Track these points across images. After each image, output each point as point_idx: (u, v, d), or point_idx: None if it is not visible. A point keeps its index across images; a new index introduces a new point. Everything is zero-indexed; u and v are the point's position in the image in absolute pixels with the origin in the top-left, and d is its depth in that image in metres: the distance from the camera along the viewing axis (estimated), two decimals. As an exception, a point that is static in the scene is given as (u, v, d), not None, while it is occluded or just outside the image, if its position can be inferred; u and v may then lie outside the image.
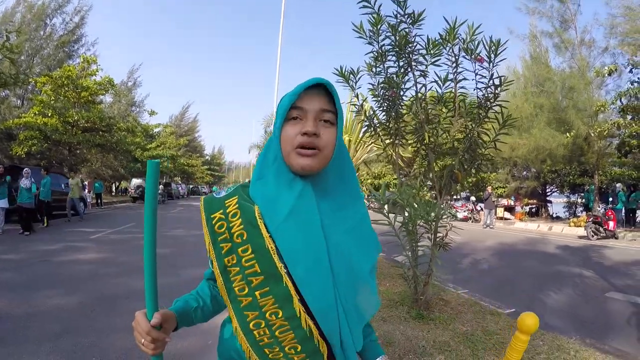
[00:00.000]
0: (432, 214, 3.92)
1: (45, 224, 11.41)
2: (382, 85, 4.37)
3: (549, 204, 23.26)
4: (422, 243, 4.36)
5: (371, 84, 4.49)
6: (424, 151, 4.38)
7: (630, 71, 14.85)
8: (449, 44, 3.75)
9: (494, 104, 3.81)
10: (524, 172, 22.65)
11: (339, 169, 0.95)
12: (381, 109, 4.54)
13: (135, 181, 28.80)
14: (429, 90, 4.24)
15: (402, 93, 4.29)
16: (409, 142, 4.56)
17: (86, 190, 18.11)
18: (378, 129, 4.64)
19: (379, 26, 4.06)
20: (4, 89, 13.97)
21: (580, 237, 13.19)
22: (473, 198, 23.02)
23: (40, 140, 17.49)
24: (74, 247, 8.07)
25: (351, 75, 4.54)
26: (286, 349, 0.87)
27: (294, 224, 0.86)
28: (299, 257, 0.85)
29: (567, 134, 15.93)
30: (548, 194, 23.16)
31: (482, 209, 19.19)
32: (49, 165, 19.23)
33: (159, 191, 24.75)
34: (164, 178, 35.73)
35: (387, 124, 4.54)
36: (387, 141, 4.61)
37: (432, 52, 3.94)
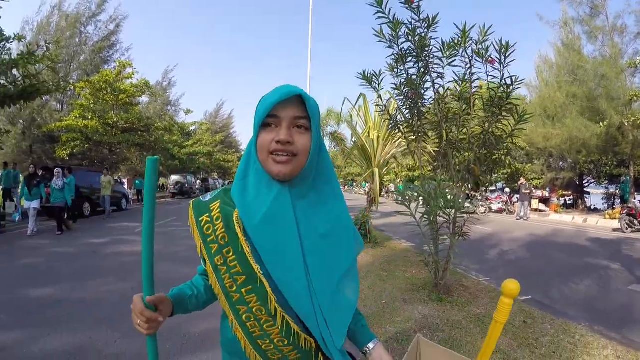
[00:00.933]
0: (451, 206, 4.17)
1: (72, 223, 11.04)
2: (404, 84, 4.64)
3: (586, 196, 22.59)
4: (443, 233, 4.64)
5: (394, 83, 4.75)
6: (444, 147, 4.63)
7: None
8: (462, 46, 3.99)
9: (506, 103, 4.02)
10: (560, 163, 22.05)
11: (317, 171, 0.98)
12: (404, 107, 4.82)
13: (174, 177, 29.85)
14: (447, 89, 4.51)
15: (422, 92, 4.55)
16: (431, 138, 4.83)
17: (126, 187, 19.10)
18: (401, 127, 4.93)
19: (397, 31, 4.32)
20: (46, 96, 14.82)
21: (615, 230, 12.91)
22: (507, 190, 22.71)
23: (82, 142, 18.41)
24: (120, 240, 8.72)
25: (374, 78, 4.84)
26: (275, 341, 0.94)
27: (270, 227, 0.92)
28: (276, 258, 0.92)
29: (601, 124, 15.49)
30: (585, 185, 22.52)
31: (517, 201, 18.94)
32: (90, 165, 20.37)
33: (197, 186, 25.70)
34: (201, 174, 36.76)
35: (411, 121, 4.81)
36: (411, 137, 4.89)
37: (447, 54, 4.18)
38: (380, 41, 4.48)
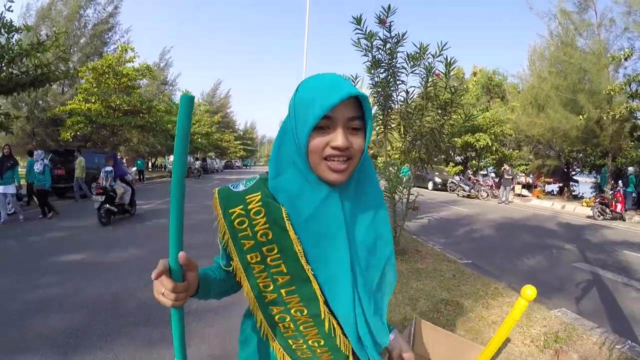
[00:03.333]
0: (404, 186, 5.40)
1: (50, 215, 9.26)
2: (377, 85, 5.58)
3: (574, 184, 23.48)
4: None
5: (370, 83, 5.70)
6: (404, 139, 5.64)
7: None
8: (420, 60, 4.94)
9: (452, 107, 5.02)
10: (547, 151, 22.93)
11: (360, 172, 0.94)
12: (377, 104, 5.77)
13: (173, 158, 30.66)
14: (411, 92, 5.50)
15: (390, 93, 5.52)
16: (395, 131, 5.84)
17: (127, 166, 19.98)
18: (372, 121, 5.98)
19: (372, 42, 5.24)
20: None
21: (588, 217, 13.73)
22: (493, 174, 23.62)
23: (85, 125, 19.08)
24: (134, 216, 9.75)
25: (351, 80, 5.81)
26: (309, 342, 0.91)
27: (318, 226, 0.86)
28: (322, 259, 0.87)
29: (580, 117, 16.24)
30: (573, 173, 23.43)
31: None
32: (93, 146, 21.19)
33: (196, 167, 26.46)
34: (199, 153, 37.53)
35: (380, 116, 5.76)
36: (380, 130, 5.87)
37: (411, 64, 5.13)
38: (357, 50, 5.40)
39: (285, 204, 0.87)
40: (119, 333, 3.26)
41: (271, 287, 0.88)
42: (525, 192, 22.11)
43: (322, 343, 0.91)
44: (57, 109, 18.95)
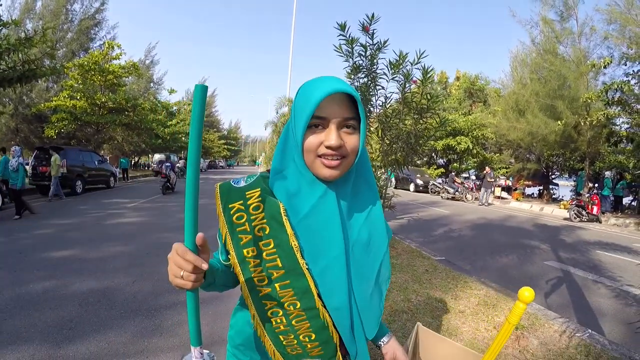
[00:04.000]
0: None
1: (17, 217, 8.72)
2: (357, 89, 5.85)
3: (554, 187, 24.02)
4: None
5: (354, 86, 5.95)
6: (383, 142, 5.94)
7: (625, 64, 15.27)
8: (400, 67, 5.22)
9: (427, 113, 5.33)
10: (527, 155, 23.45)
11: (359, 168, 0.98)
12: None
13: (157, 156, 30.62)
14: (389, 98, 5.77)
15: (369, 98, 5.78)
16: (373, 134, 6.12)
17: (114, 166, 19.98)
18: None
19: (352, 47, 5.49)
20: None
21: (565, 219, 14.07)
22: (473, 177, 24.10)
23: (70, 122, 18.94)
24: (117, 214, 9.82)
25: None
26: (300, 337, 0.92)
27: (315, 222, 0.89)
28: (318, 254, 0.89)
29: (559, 122, 16.51)
30: (553, 177, 23.97)
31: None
32: (77, 144, 21.08)
33: (179, 166, 26.58)
34: (182, 152, 37.44)
35: None
36: None
37: (391, 71, 5.40)
38: (339, 55, 5.64)
39: (284, 201, 0.90)
40: (111, 324, 3.44)
41: (266, 282, 0.90)
42: (504, 194, 22.64)
43: (313, 337, 0.92)
44: (42, 105, 18.83)
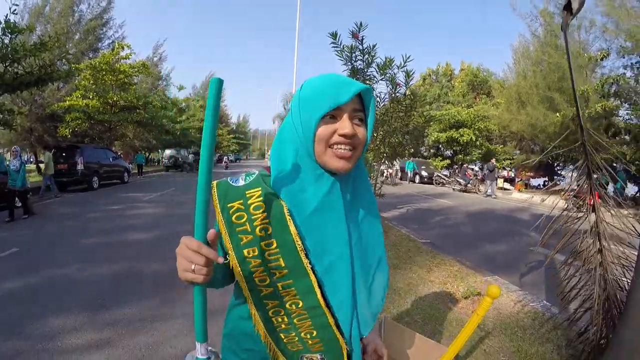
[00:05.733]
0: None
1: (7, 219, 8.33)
2: None
3: (560, 178, 24.10)
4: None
5: None
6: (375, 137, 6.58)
7: (623, 56, 15.59)
8: (388, 69, 5.83)
9: (411, 111, 5.98)
10: (532, 146, 23.60)
11: (359, 175, 1.01)
12: None
13: (168, 152, 31.32)
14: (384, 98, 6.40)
15: None
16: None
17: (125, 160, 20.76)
18: None
19: (352, 53, 6.08)
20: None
21: (564, 210, 14.44)
22: (476, 168, 24.35)
23: (84, 121, 19.63)
24: (135, 206, 10.59)
25: None
26: (302, 334, 0.92)
27: (320, 221, 0.89)
28: (321, 253, 0.89)
29: (557, 114, 16.92)
30: (558, 168, 24.16)
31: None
32: (91, 142, 21.80)
33: (189, 161, 27.33)
34: (192, 147, 38.18)
35: None
36: None
37: (380, 72, 6.00)
38: (340, 59, 6.23)
39: (287, 199, 0.89)
40: (139, 296, 4.09)
41: (267, 281, 0.88)
42: (507, 185, 23.00)
43: (314, 334, 0.92)
44: (56, 105, 19.43)
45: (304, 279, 0.88)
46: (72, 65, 18.00)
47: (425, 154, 32.27)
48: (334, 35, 5.89)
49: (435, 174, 23.32)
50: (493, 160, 19.80)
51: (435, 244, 6.70)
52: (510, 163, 25.71)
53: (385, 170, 17.08)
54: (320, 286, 0.89)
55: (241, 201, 0.88)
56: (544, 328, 3.32)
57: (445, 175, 22.45)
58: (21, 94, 17.98)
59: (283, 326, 0.93)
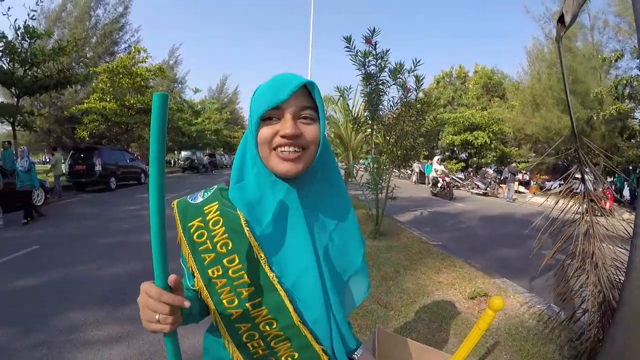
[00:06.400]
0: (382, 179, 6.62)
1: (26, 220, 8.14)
2: (368, 94, 6.57)
3: (576, 181, 23.79)
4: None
5: (364, 92, 6.66)
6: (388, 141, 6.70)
7: (637, 57, 15.11)
8: (399, 74, 5.96)
9: (422, 115, 6.09)
10: (547, 149, 23.34)
11: (323, 164, 0.90)
12: (366, 112, 6.81)
13: (184, 153, 31.76)
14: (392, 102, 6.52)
15: (377, 102, 6.50)
16: (378, 133, 6.88)
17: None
18: (361, 125, 7.01)
19: (365, 58, 6.20)
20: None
21: (578, 213, 14.27)
22: (490, 171, 24.20)
23: (101, 123, 20.13)
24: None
25: (345, 90, 6.91)
26: (282, 358, 0.87)
27: (279, 231, 0.85)
28: (287, 265, 0.84)
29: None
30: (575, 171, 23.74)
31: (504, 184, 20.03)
32: (108, 143, 22.26)
33: (205, 162, 27.44)
34: (207, 149, 38.61)
35: (369, 121, 6.77)
36: (368, 131, 6.93)
37: (392, 77, 6.12)
38: (353, 64, 6.36)
39: (245, 211, 0.85)
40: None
41: (236, 302, 0.83)
42: (522, 189, 22.80)
43: (296, 357, 0.87)
44: (75, 107, 19.88)
45: (272, 294, 0.83)
46: (90, 68, 18.44)
47: (440, 156, 32.22)
48: (348, 39, 6.03)
49: (450, 176, 23.18)
50: (514, 164, 19.52)
51: (446, 246, 6.77)
52: (526, 166, 25.50)
53: (439, 179, 16.79)
54: (291, 302, 0.83)
55: (200, 218, 0.86)
56: (548, 329, 3.37)
57: (460, 178, 22.28)
58: (40, 97, 18.53)
59: (260, 352, 0.87)
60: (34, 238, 6.76)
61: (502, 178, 21.72)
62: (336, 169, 0.97)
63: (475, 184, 20.17)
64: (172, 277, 0.71)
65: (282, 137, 0.79)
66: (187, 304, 0.71)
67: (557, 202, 3.11)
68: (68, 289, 4.34)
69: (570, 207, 3.01)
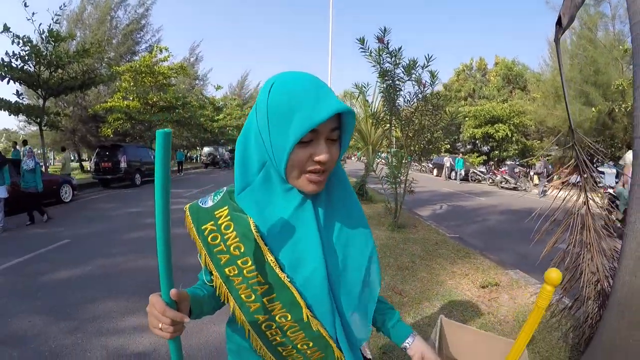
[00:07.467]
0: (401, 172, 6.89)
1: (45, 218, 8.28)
2: (385, 90, 6.74)
3: (601, 175, 23.29)
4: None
5: (380, 88, 6.84)
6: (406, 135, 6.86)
7: None
8: (413, 70, 6.11)
9: (436, 110, 6.35)
10: (569, 143, 22.83)
11: (335, 174, 0.95)
12: (384, 107, 6.99)
13: (206, 149, 32.28)
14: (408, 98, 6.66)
15: (394, 98, 6.64)
16: (397, 128, 7.06)
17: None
18: (380, 121, 7.19)
19: (380, 55, 6.36)
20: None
21: (599, 207, 14.01)
22: (511, 164, 23.88)
23: (125, 121, 20.56)
24: (177, 202, 10.82)
25: (363, 87, 7.22)
26: (298, 346, 0.92)
27: (291, 234, 0.87)
28: (297, 267, 0.87)
29: (593, 109, 16.48)
30: (597, 165, 23.38)
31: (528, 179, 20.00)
32: (132, 141, 22.71)
33: (227, 157, 27.86)
34: (229, 145, 39.07)
35: (387, 117, 6.94)
36: (386, 127, 7.13)
37: (407, 74, 6.26)
38: (369, 61, 6.54)
39: (254, 215, 0.87)
40: (185, 285, 4.47)
41: (253, 297, 0.88)
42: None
43: (311, 345, 0.92)
44: (99, 106, 20.30)
45: (285, 292, 0.86)
46: (113, 68, 18.90)
47: (462, 150, 31.97)
48: (362, 40, 6.22)
49: (471, 170, 22.97)
50: (546, 159, 19.39)
51: (463, 239, 6.89)
52: (548, 159, 25.12)
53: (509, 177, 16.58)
54: (303, 298, 0.87)
55: (212, 222, 0.89)
56: (555, 318, 3.46)
57: (482, 172, 22.10)
58: (65, 97, 19.08)
59: (278, 339, 0.92)
60: (64, 232, 7.12)
61: (532, 173, 21.22)
62: (344, 172, 1.00)
63: (504, 178, 19.70)
64: (172, 292, 0.77)
65: (317, 162, 0.80)
66: (186, 319, 0.77)
67: (558, 198, 3.19)
68: (99, 280, 4.63)
69: (570, 198, 3.04)
